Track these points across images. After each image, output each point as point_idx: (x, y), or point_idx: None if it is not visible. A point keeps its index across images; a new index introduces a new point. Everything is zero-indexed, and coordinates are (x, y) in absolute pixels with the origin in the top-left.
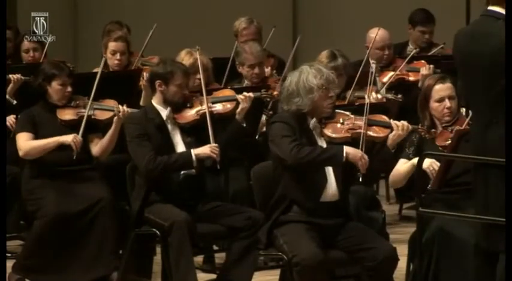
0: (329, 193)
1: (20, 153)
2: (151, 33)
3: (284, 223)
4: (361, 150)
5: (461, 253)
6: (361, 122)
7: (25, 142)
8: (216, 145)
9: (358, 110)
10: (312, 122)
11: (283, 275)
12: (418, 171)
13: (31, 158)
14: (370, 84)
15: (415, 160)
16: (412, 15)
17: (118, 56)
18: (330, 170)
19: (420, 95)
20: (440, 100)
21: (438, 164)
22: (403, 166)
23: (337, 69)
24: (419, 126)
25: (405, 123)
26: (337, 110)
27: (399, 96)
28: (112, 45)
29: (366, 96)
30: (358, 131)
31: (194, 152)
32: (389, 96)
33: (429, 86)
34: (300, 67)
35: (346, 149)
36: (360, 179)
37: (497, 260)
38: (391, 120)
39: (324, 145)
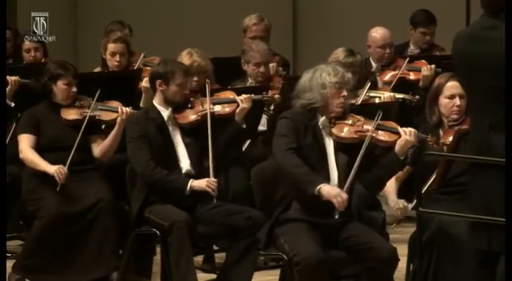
0: None
1: (20, 155)
2: (140, 60)
3: (284, 222)
4: (363, 152)
5: (461, 253)
6: (370, 126)
7: (26, 148)
8: (215, 180)
9: (362, 110)
10: (321, 120)
11: (283, 275)
12: (418, 171)
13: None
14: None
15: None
16: (413, 16)
17: (117, 57)
18: (332, 169)
19: (430, 91)
20: (451, 97)
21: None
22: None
23: (354, 65)
24: (428, 136)
25: (414, 130)
26: (350, 114)
27: (416, 97)
28: (111, 46)
29: (381, 96)
30: (366, 134)
31: (191, 183)
32: (407, 96)
33: (440, 83)
34: (316, 66)
35: (323, 185)
36: (336, 217)
37: (497, 261)
38: (400, 127)
39: (331, 145)
